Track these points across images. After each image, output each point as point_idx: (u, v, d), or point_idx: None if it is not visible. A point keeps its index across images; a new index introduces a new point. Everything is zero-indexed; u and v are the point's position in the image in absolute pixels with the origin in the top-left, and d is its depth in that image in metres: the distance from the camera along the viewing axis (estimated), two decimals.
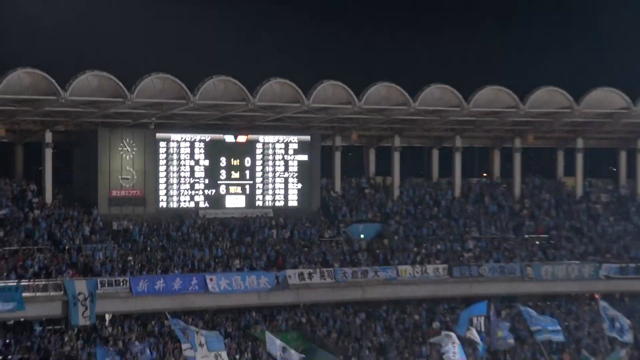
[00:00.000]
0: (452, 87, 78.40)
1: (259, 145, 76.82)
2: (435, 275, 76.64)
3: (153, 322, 67.36)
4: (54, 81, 66.35)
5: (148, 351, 62.30)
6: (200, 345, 51.61)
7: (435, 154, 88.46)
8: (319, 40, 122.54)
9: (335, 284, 72.97)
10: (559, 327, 68.85)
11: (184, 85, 69.71)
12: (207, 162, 74.88)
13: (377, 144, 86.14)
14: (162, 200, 74.27)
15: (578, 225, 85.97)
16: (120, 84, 68.30)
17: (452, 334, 63.38)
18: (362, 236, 79.27)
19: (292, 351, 57.83)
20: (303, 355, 59.42)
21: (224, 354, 53.86)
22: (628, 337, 70.35)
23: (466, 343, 62.98)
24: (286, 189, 77.86)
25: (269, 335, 60.99)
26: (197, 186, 74.81)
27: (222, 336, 58.27)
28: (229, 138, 75.71)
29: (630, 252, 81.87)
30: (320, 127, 79.86)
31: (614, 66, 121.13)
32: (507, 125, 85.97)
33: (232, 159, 75.77)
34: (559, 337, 68.89)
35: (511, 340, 70.33)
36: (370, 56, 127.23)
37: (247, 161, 76.07)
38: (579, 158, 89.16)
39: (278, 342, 60.34)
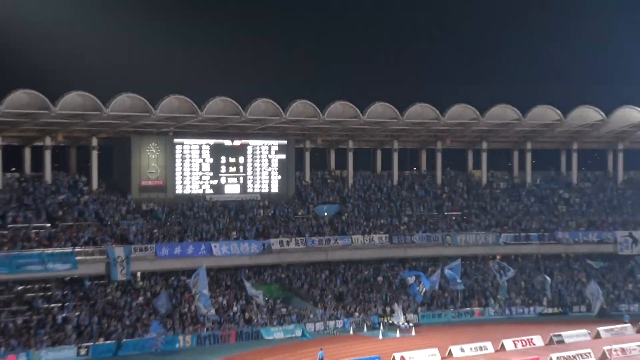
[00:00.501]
0: (391, 104, 79.63)
1: (249, 148, 77.48)
2: (379, 242, 77.59)
3: (172, 278, 68.35)
4: (98, 100, 67.38)
5: (166, 298, 63.63)
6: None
7: (378, 153, 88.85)
8: (291, 64, 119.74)
9: (306, 249, 74.04)
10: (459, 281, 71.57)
11: (194, 104, 70.84)
12: (211, 160, 75.64)
13: (336, 146, 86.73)
14: (178, 188, 74.80)
15: (483, 205, 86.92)
16: (147, 102, 69.43)
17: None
18: (325, 214, 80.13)
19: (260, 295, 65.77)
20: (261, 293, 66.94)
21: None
22: (511, 273, 73.92)
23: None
24: (270, 179, 78.63)
25: (247, 285, 66.10)
26: (203, 178, 75.48)
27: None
28: (227, 142, 76.57)
29: (522, 224, 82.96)
30: (294, 134, 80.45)
31: (508, 85, 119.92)
32: (431, 132, 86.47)
33: (230, 158, 76.57)
34: (461, 287, 72.10)
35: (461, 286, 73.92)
36: (331, 78, 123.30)
37: (241, 159, 77.04)
38: (484, 156, 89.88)
39: (252, 290, 65.30)
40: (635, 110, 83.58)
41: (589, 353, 58.40)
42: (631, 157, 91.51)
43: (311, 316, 69.00)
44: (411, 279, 72.65)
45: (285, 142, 79.49)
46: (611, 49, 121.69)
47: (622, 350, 58.90)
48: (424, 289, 71.38)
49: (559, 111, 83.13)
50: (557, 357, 57.62)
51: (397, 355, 56.73)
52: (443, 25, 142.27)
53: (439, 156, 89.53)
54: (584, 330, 67.05)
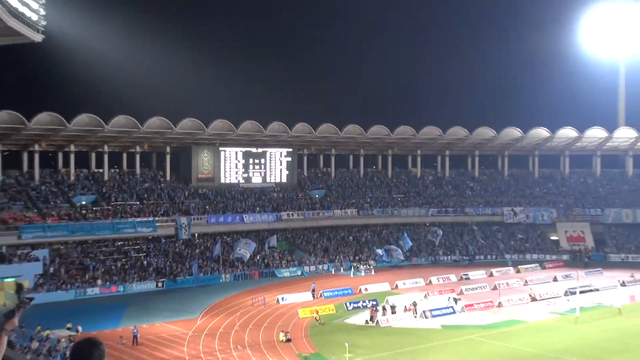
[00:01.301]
0: (359, 125, 79.83)
1: (267, 153, 77.09)
2: (351, 214, 77.39)
3: (217, 237, 68.00)
4: (170, 122, 67.46)
5: (219, 247, 63.85)
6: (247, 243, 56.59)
7: (351, 157, 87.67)
8: (296, 97, 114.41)
9: (304, 219, 74.24)
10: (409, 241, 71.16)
11: (232, 124, 71.00)
12: (243, 161, 75.46)
13: (323, 152, 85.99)
14: (222, 179, 74.37)
15: (418, 190, 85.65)
16: (202, 124, 69.59)
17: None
18: (316, 196, 79.54)
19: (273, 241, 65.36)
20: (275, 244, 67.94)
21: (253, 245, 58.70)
22: (441, 234, 73.53)
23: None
24: (281, 174, 78.19)
25: (272, 239, 65.48)
26: (237, 172, 75.35)
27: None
28: (253, 150, 76.23)
29: (443, 203, 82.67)
30: (296, 144, 79.75)
31: (433, 110, 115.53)
32: (384, 144, 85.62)
33: (255, 160, 76.46)
34: (409, 244, 71.39)
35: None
36: (319, 105, 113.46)
37: (262, 160, 76.79)
38: (418, 159, 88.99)
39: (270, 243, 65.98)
40: (516, 130, 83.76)
41: (486, 285, 58.99)
42: (513, 160, 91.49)
43: (307, 262, 69.42)
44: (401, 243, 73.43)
45: (290, 149, 79.13)
46: (501, 84, 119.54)
47: (507, 284, 59.28)
48: (404, 248, 72.33)
49: (466, 130, 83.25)
50: (465, 288, 58.03)
51: (362, 287, 57.51)
52: (392, 69, 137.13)
53: (389, 159, 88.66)
54: (482, 271, 67.42)
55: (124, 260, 62.30)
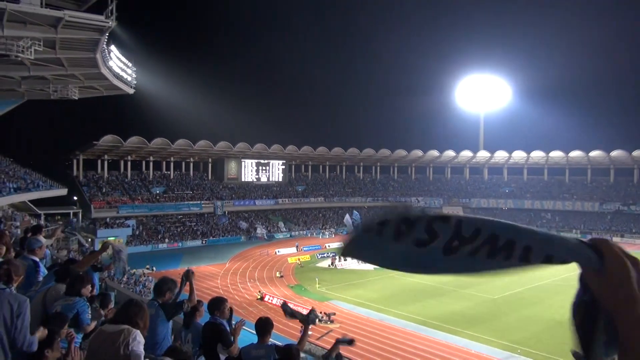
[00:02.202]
0: (325, 147, 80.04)
1: (270, 163, 76.55)
2: (320, 201, 77.42)
3: (243, 213, 67.88)
4: (211, 143, 67.09)
5: (244, 224, 63.60)
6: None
7: (321, 167, 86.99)
8: (290, 125, 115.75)
9: (292, 203, 74.07)
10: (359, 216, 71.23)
11: (249, 146, 70.85)
12: (255, 168, 74.91)
13: (304, 163, 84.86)
14: (242, 178, 73.76)
15: (362, 187, 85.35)
16: (231, 144, 69.34)
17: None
18: (300, 189, 79.02)
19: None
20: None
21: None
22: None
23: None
24: (279, 176, 77.57)
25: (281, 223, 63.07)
26: (252, 174, 74.78)
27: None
28: (262, 161, 75.64)
29: (375, 194, 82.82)
30: (289, 158, 79.07)
31: (372, 134, 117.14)
32: (341, 159, 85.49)
33: (263, 167, 75.72)
34: (359, 217, 71.29)
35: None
36: (302, 129, 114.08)
37: (267, 168, 76.18)
38: (361, 168, 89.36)
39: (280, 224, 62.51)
40: (419, 151, 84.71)
41: None
42: (418, 169, 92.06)
43: (294, 229, 69.41)
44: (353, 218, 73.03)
45: (284, 161, 78.69)
46: (411, 124, 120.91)
47: None
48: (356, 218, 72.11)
49: (389, 150, 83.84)
50: None
51: (327, 244, 57.74)
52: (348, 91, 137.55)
53: (344, 168, 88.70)
54: None
55: (181, 227, 62.16)
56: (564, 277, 42.07)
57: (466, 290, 37.13)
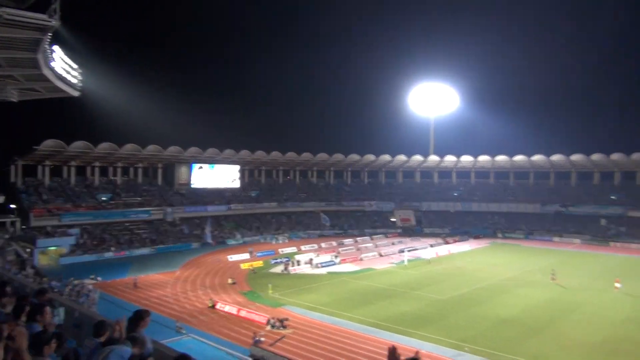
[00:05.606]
0: (279, 151, 79.70)
1: (222, 167, 75.24)
2: (274, 206, 76.63)
3: (192, 219, 66.40)
4: (161, 148, 65.41)
5: (188, 227, 61.81)
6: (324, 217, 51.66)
7: (274, 171, 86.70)
8: (242, 129, 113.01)
9: (245, 209, 73.04)
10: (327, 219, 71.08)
11: (201, 150, 69.59)
12: (207, 173, 73.47)
13: (258, 167, 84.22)
14: (194, 184, 72.19)
15: (315, 191, 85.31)
16: (182, 149, 67.92)
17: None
18: (253, 194, 78.09)
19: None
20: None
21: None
22: (328, 220, 72.40)
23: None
24: (231, 180, 76.47)
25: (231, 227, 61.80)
26: (204, 180, 73.25)
27: None
28: (215, 165, 74.34)
29: (329, 198, 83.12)
30: (241, 162, 77.81)
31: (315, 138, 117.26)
32: (290, 163, 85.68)
33: (216, 172, 74.34)
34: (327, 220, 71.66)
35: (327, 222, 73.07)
36: (254, 136, 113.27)
37: (219, 173, 74.88)
38: (315, 173, 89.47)
39: (230, 226, 60.88)
40: (371, 155, 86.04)
41: (353, 248, 59.47)
42: (370, 173, 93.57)
43: (247, 235, 68.69)
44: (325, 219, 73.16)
45: (238, 166, 77.48)
46: (364, 129, 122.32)
47: (366, 247, 60.06)
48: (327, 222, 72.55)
49: (343, 155, 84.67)
50: (342, 249, 58.70)
51: (280, 250, 57.65)
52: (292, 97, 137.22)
53: (297, 173, 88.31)
54: (352, 239, 68.53)
55: (129, 235, 60.28)
56: (508, 277, 44.07)
57: (417, 291, 38.10)
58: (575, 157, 77.30)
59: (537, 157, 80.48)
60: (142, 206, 63.81)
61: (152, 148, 65.79)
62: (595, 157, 75.47)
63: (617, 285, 39.38)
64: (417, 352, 4.66)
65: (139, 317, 5.24)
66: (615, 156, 73.52)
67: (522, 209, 79.10)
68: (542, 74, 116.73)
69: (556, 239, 71.35)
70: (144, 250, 57.43)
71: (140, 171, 71.22)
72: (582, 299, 35.89)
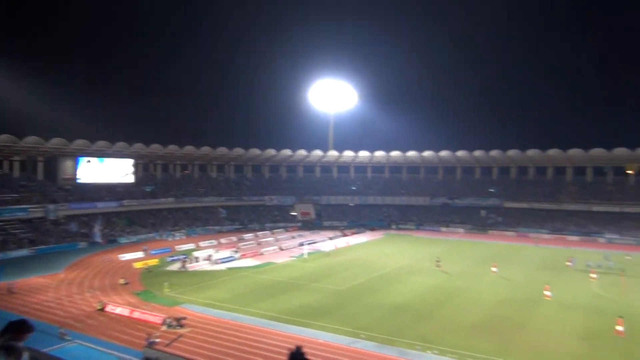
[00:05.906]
0: (176, 144, 76.60)
1: (114, 161, 70.05)
2: (170, 202, 73.35)
3: (80, 216, 61.56)
4: (43, 139, 59.59)
5: (76, 224, 57.73)
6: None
7: (170, 165, 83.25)
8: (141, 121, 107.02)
9: (140, 205, 69.16)
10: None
11: (90, 142, 64.46)
12: (98, 167, 68.20)
13: (153, 161, 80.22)
14: (81, 179, 66.54)
15: (213, 186, 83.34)
16: (67, 141, 62.60)
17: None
18: (148, 189, 73.97)
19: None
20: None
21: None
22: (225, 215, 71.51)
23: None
24: (124, 175, 71.58)
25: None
26: (95, 174, 67.77)
27: None
28: (106, 159, 69.28)
29: (229, 193, 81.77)
30: (137, 156, 73.41)
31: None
32: (191, 157, 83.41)
33: (108, 166, 69.19)
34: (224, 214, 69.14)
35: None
36: (151, 128, 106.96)
37: (111, 166, 69.66)
38: (214, 167, 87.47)
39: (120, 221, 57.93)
40: (273, 150, 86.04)
41: (254, 242, 59.13)
42: (271, 168, 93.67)
43: (141, 232, 64.95)
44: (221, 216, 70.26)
45: (132, 160, 72.75)
46: (267, 123, 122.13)
47: (266, 241, 60.14)
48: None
49: (244, 149, 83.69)
50: (242, 244, 58.25)
51: (177, 247, 55.57)
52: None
53: (196, 167, 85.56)
54: (252, 234, 67.77)
55: (3, 235, 54.15)
56: (401, 266, 46.82)
57: (316, 283, 39.03)
58: (460, 153, 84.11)
59: (427, 153, 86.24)
60: (18, 203, 57.72)
61: (31, 139, 59.84)
62: (477, 153, 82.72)
63: (494, 269, 43.76)
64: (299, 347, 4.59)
65: (16, 330, 4.67)
66: (494, 152, 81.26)
67: (413, 202, 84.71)
68: (433, 76, 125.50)
69: (443, 229, 77.32)
70: (22, 252, 51.87)
71: (16, 165, 64.45)
72: (464, 284, 39.31)
